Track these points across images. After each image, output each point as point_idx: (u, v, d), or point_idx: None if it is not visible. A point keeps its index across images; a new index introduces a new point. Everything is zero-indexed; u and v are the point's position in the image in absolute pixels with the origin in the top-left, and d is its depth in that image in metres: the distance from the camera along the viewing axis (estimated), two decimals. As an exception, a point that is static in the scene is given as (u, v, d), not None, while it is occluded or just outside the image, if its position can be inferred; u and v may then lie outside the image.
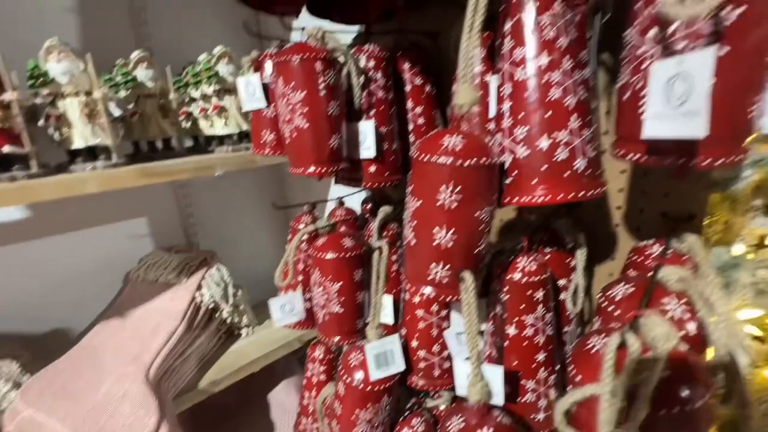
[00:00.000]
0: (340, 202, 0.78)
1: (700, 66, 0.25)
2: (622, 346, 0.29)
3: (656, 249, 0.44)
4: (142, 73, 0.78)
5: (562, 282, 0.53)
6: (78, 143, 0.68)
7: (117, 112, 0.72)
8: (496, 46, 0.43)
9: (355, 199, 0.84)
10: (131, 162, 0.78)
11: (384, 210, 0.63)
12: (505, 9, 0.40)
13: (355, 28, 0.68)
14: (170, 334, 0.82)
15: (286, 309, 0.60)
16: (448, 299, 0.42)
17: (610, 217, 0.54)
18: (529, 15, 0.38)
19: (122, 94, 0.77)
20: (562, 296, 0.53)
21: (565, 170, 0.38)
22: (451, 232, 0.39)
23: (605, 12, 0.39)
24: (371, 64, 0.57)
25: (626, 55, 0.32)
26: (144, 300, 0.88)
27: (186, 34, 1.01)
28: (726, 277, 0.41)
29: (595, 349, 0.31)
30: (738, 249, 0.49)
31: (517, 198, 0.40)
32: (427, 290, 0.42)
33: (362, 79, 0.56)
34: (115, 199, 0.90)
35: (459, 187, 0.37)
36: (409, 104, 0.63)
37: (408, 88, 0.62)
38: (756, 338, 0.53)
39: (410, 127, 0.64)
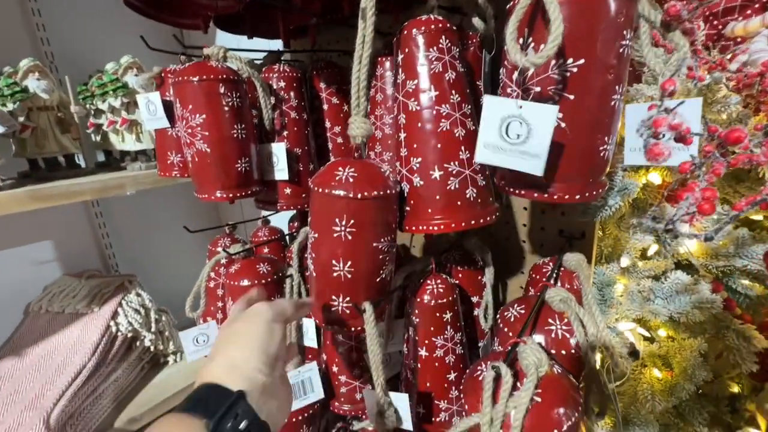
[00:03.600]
0: (265, 221, 0.75)
1: (540, 118, 0.26)
2: (499, 376, 0.30)
3: (550, 267, 0.46)
4: (34, 84, 0.70)
5: (475, 299, 0.55)
6: (-52, 165, 0.59)
7: (-1, 129, 0.64)
8: (393, 75, 0.43)
9: (283, 216, 0.82)
10: (23, 182, 0.70)
11: (305, 231, 0.62)
12: (398, 40, 0.40)
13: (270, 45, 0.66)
14: (78, 372, 0.75)
15: (199, 341, 0.56)
16: (351, 331, 0.42)
17: (517, 233, 0.57)
18: (417, 49, 0.38)
19: (9, 106, 0.69)
20: (476, 312, 0.55)
21: (458, 199, 0.39)
22: (349, 264, 0.38)
23: (489, 50, 0.41)
24: (282, 84, 0.55)
25: (500, 92, 0.34)
26: (47, 334, 0.79)
27: (93, 41, 0.93)
28: (605, 292, 0.45)
29: (480, 378, 0.33)
30: (624, 261, 0.54)
31: (415, 226, 0.41)
32: (331, 325, 0.42)
33: (272, 99, 0.55)
34: (15, 220, 0.79)
35: (353, 220, 0.37)
36: (328, 124, 0.62)
37: (325, 107, 0.61)
38: (646, 339, 0.58)
39: (330, 146, 0.63)
